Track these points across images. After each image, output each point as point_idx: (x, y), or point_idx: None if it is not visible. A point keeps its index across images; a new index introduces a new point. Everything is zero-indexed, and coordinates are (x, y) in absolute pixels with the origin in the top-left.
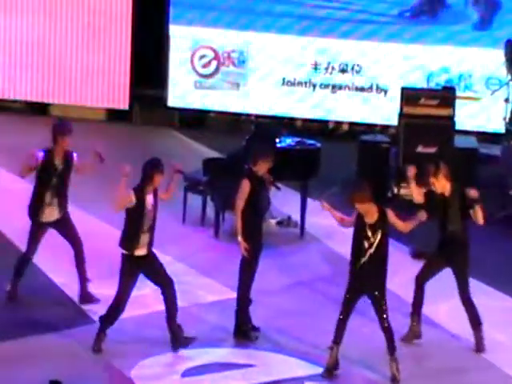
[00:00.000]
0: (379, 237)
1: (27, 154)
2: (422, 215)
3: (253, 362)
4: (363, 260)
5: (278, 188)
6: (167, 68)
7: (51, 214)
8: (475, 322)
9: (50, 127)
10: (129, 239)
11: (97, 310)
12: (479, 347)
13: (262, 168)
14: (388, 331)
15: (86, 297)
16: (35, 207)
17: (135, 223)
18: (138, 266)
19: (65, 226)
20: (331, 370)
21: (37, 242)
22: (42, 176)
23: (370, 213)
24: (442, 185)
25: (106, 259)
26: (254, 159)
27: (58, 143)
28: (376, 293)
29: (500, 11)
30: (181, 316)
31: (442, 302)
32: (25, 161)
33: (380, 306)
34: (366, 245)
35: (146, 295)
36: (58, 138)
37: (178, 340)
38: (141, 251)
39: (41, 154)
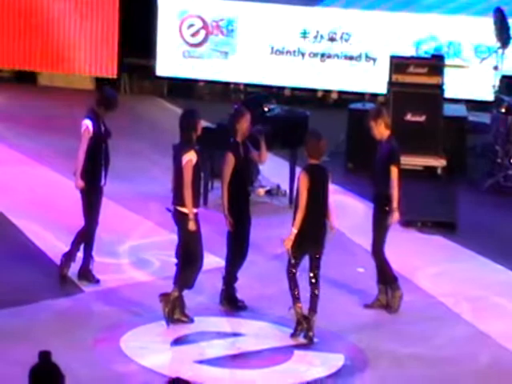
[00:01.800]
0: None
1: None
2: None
3: (242, 330)
4: None
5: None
6: (155, 37)
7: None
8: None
9: (102, 95)
10: (197, 196)
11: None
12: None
13: (243, 126)
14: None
15: (87, 275)
16: (95, 172)
17: (197, 180)
18: None
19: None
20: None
21: (99, 208)
22: (96, 143)
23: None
24: (381, 131)
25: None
26: (232, 126)
27: (104, 113)
28: None
29: None
30: (169, 286)
31: (428, 268)
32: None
33: None
34: None
35: (125, 264)
36: (107, 109)
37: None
38: None
39: (90, 123)
